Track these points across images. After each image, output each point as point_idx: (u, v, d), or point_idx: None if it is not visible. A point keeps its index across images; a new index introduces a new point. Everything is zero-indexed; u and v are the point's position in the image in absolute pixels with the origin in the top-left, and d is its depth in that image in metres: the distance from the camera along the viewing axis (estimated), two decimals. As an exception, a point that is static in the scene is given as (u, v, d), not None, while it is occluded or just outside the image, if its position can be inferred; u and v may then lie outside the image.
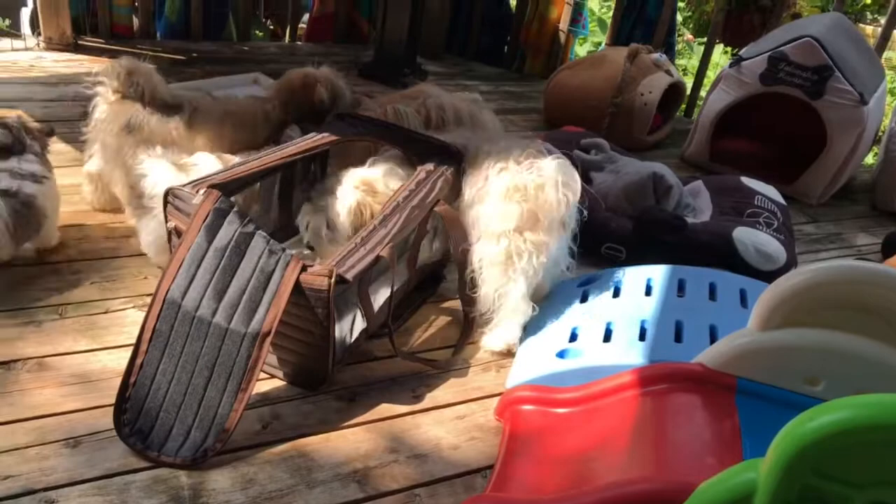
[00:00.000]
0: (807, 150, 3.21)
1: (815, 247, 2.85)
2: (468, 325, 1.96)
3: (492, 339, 1.95)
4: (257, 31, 4.40)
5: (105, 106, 2.06)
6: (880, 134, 3.62)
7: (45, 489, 1.37)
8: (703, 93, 4.11)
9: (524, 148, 1.95)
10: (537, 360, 1.83)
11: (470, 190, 1.97)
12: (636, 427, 1.51)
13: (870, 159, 3.98)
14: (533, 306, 1.93)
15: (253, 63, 3.74)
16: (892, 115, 3.46)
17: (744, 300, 1.90)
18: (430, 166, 1.99)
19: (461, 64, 4.36)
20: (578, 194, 1.93)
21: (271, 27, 4.72)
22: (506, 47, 4.61)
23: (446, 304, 2.11)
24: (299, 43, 4.37)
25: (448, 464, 1.57)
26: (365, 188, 1.93)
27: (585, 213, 2.04)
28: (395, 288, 1.78)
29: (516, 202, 1.86)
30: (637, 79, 3.43)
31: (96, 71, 2.07)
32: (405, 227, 1.79)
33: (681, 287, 1.97)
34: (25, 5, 3.95)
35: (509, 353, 1.93)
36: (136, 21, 3.92)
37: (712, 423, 1.50)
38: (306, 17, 4.55)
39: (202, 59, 3.75)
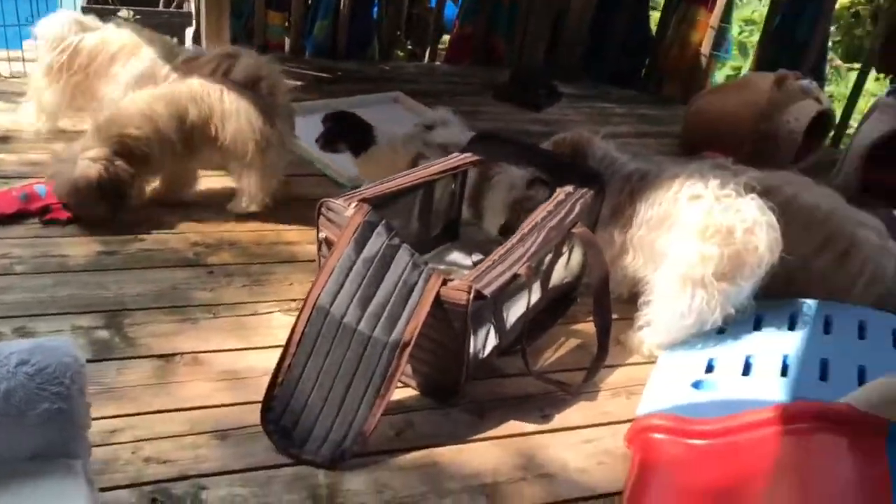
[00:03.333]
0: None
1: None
2: (602, 350, 1.94)
3: (649, 335, 1.97)
4: (399, 52, 4.55)
5: None
6: None
7: (198, 476, 1.47)
8: (852, 122, 3.90)
9: (722, 179, 1.87)
10: (671, 389, 1.80)
11: (649, 209, 1.95)
12: (778, 467, 1.46)
13: None
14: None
15: (394, 82, 3.88)
16: None
17: (897, 341, 1.80)
18: (569, 188, 2.00)
19: (597, 87, 4.34)
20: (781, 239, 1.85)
21: (410, 48, 4.87)
22: (643, 70, 4.56)
23: (577, 326, 2.11)
24: (438, 63, 4.49)
25: (575, 486, 1.57)
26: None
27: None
28: (530, 306, 1.80)
29: (716, 244, 1.80)
30: (784, 106, 3.29)
31: None
32: (543, 247, 1.80)
33: (827, 324, 1.89)
34: (190, 25, 4.27)
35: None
36: (286, 40, 4.16)
37: (859, 470, 1.43)
38: (446, 38, 4.67)
39: (346, 78, 3.92)
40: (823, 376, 1.70)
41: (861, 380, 1.66)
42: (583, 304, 2.13)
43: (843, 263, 2.04)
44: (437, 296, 1.61)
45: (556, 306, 2.14)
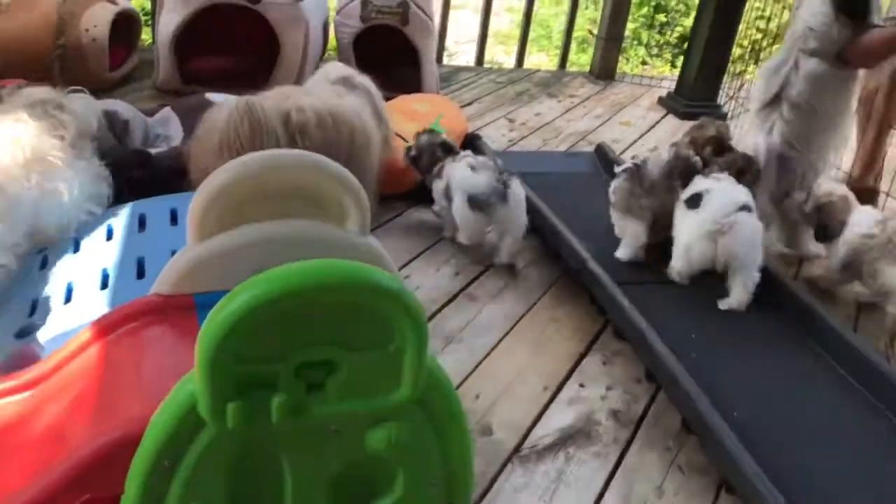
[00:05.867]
0: (273, 54, 3.32)
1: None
2: None
3: None
4: None
5: None
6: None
7: None
8: (165, 17, 3.97)
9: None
10: (-4, 349, 1.63)
11: None
12: (106, 380, 1.43)
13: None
14: None
15: None
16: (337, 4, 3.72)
17: (205, 216, 1.91)
18: None
19: None
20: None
21: None
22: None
23: None
24: None
25: None
26: None
27: None
28: None
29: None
30: (76, 16, 3.15)
31: None
32: None
33: (142, 222, 1.91)
34: None
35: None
36: None
37: (181, 347, 1.49)
38: None
39: None
40: (141, 274, 1.73)
41: (176, 264, 1.72)
42: None
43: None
44: None
45: None
